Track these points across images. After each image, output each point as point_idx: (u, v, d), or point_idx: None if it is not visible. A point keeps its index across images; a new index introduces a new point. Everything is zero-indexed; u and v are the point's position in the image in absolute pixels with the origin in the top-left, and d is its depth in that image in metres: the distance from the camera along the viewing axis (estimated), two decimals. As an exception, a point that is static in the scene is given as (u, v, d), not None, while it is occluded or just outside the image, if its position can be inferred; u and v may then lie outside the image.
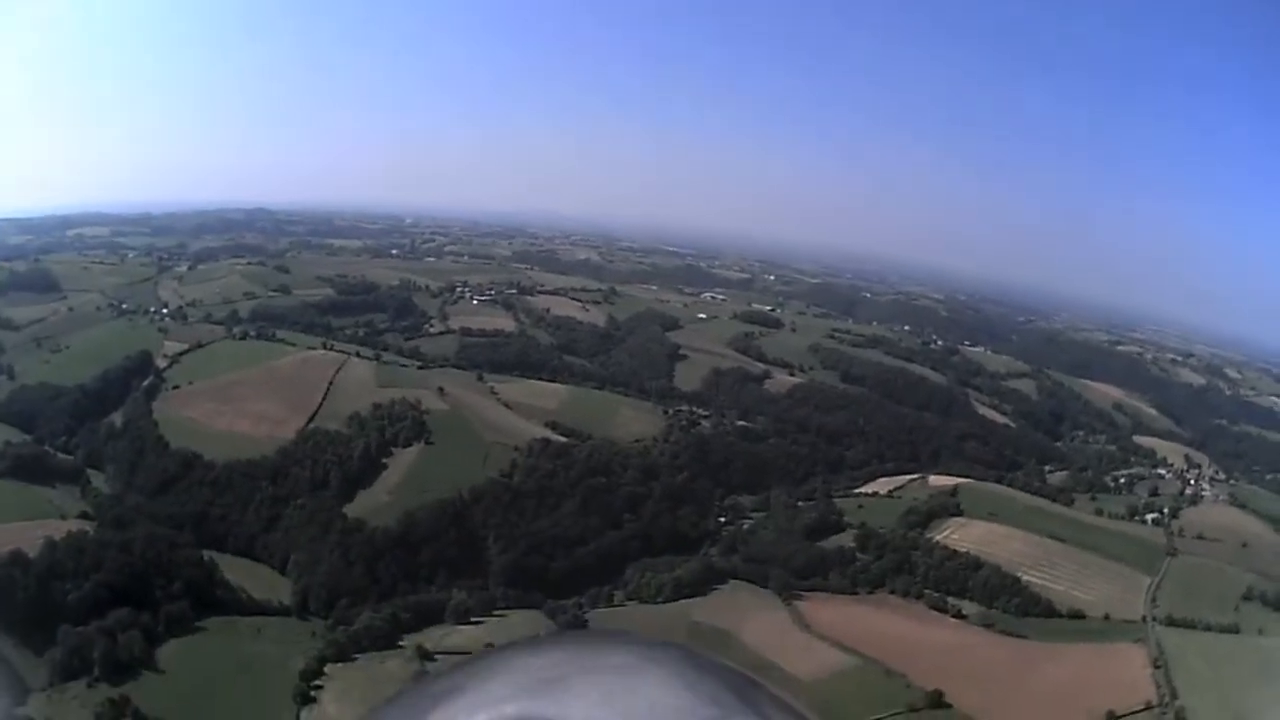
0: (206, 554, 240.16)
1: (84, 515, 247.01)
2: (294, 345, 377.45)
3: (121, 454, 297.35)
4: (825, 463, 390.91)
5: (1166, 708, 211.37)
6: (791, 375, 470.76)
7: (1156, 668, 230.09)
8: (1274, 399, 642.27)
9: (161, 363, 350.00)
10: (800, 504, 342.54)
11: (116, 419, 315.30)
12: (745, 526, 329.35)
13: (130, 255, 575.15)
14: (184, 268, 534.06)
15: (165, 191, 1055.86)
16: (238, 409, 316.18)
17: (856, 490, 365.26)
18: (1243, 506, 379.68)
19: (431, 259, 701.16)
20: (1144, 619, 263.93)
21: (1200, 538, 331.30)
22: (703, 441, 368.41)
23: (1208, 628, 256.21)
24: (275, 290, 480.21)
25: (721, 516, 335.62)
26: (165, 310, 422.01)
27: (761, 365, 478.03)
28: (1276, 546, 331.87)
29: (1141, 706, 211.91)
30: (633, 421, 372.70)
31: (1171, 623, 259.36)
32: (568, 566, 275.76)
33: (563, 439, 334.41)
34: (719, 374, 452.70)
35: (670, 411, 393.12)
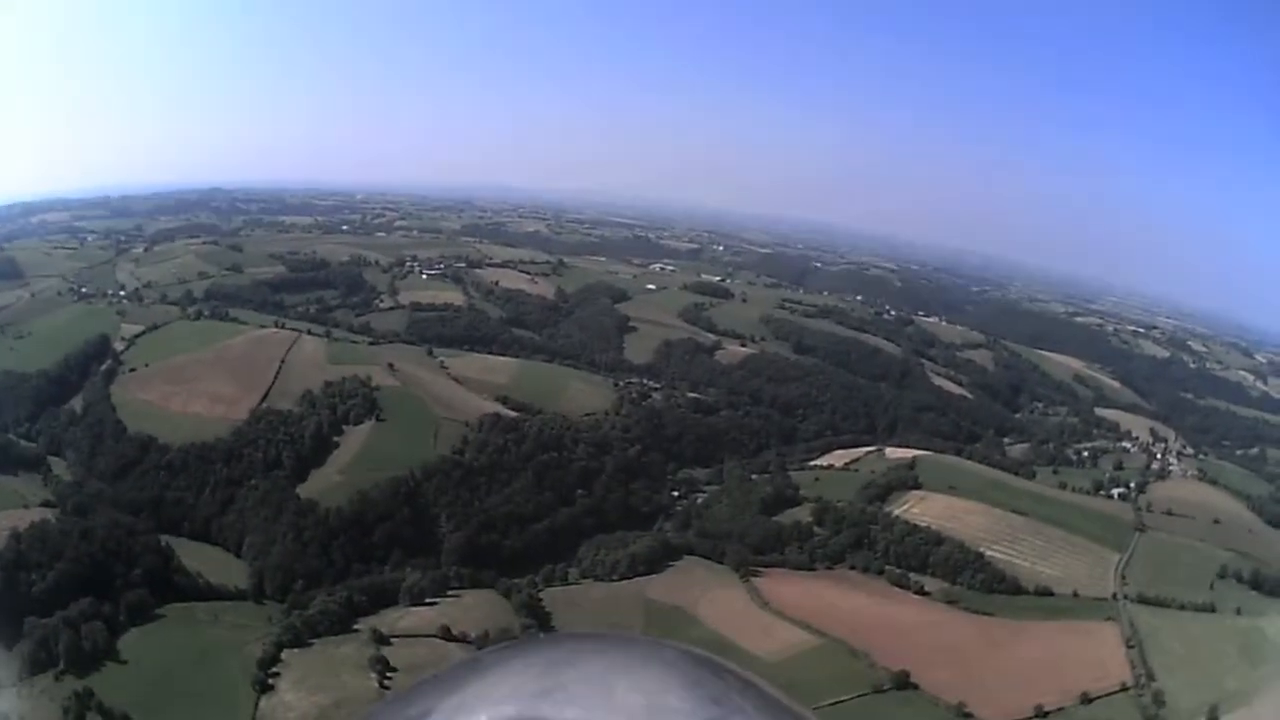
0: (164, 539, 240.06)
1: (47, 504, 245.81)
2: (246, 324, 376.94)
3: (81, 439, 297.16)
4: (779, 435, 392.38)
5: (1143, 689, 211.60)
6: (743, 346, 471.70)
7: (1130, 647, 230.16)
8: (1242, 373, 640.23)
9: (119, 346, 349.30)
10: (754, 477, 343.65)
11: (76, 404, 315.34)
12: (699, 501, 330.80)
13: (89, 239, 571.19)
14: (141, 249, 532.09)
15: (124, 174, 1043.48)
16: (192, 390, 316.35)
17: (812, 463, 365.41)
18: (1213, 482, 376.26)
19: (382, 234, 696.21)
20: (1114, 596, 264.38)
21: (1170, 513, 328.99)
22: (654, 414, 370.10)
23: (1181, 607, 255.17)
24: (228, 269, 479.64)
25: (675, 491, 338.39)
26: (123, 292, 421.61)
27: (712, 336, 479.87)
28: (1250, 524, 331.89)
29: (1117, 688, 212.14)
30: (583, 395, 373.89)
31: (1144, 601, 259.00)
32: (521, 544, 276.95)
33: (513, 414, 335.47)
34: (669, 345, 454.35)
35: (621, 384, 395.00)
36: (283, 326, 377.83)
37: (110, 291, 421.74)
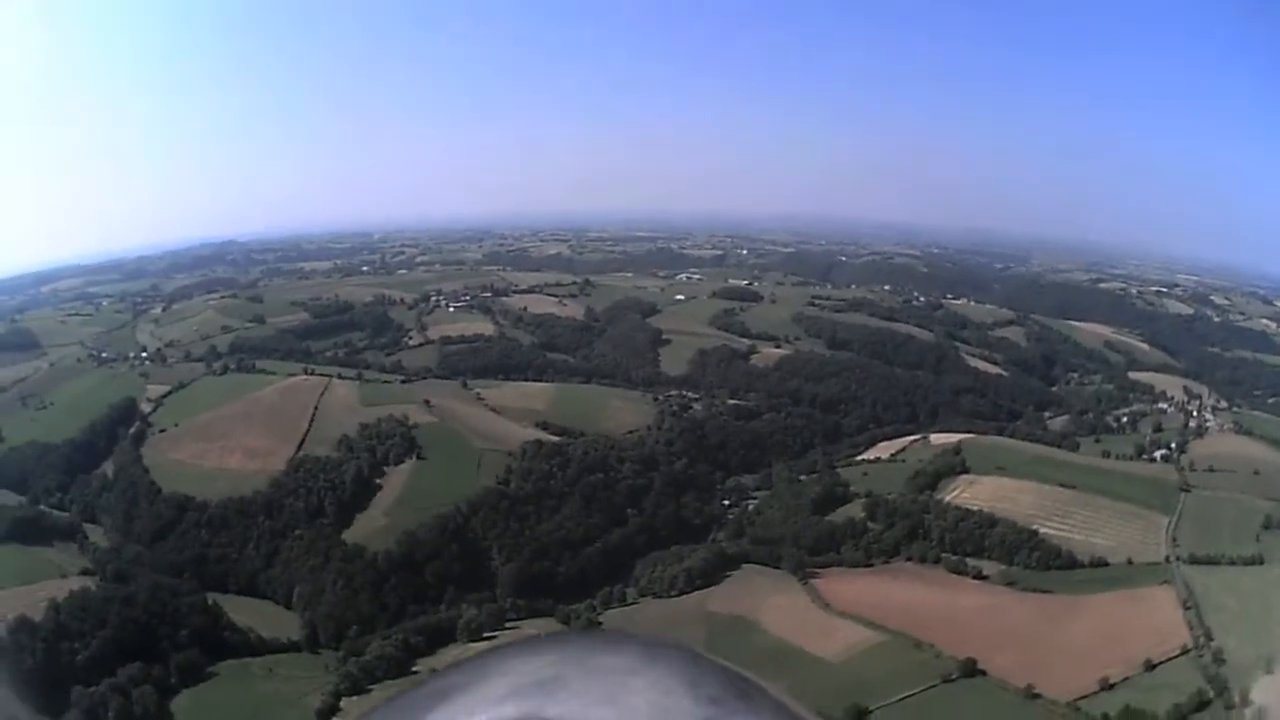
0: (211, 597, 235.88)
1: (85, 572, 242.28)
2: (274, 374, 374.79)
3: (115, 505, 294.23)
4: (823, 433, 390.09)
5: (1203, 650, 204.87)
6: (777, 347, 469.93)
7: (1187, 609, 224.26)
8: (1265, 321, 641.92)
9: (146, 407, 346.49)
10: (803, 478, 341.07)
11: (108, 469, 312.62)
12: (750, 507, 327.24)
13: (105, 303, 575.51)
14: (159, 309, 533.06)
15: (136, 235, 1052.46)
16: (225, 445, 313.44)
17: (858, 458, 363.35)
18: (1249, 433, 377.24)
19: (403, 271, 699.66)
20: (1167, 559, 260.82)
21: (1211, 470, 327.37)
22: (696, 425, 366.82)
23: (1231, 562, 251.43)
24: (251, 321, 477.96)
25: (725, 500, 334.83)
26: (144, 354, 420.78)
27: (746, 341, 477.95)
28: None
29: (1178, 651, 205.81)
30: (624, 412, 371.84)
31: (1194, 561, 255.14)
32: (575, 569, 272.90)
33: (555, 438, 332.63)
34: (704, 354, 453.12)
35: (660, 398, 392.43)
36: (312, 373, 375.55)
37: (131, 354, 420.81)
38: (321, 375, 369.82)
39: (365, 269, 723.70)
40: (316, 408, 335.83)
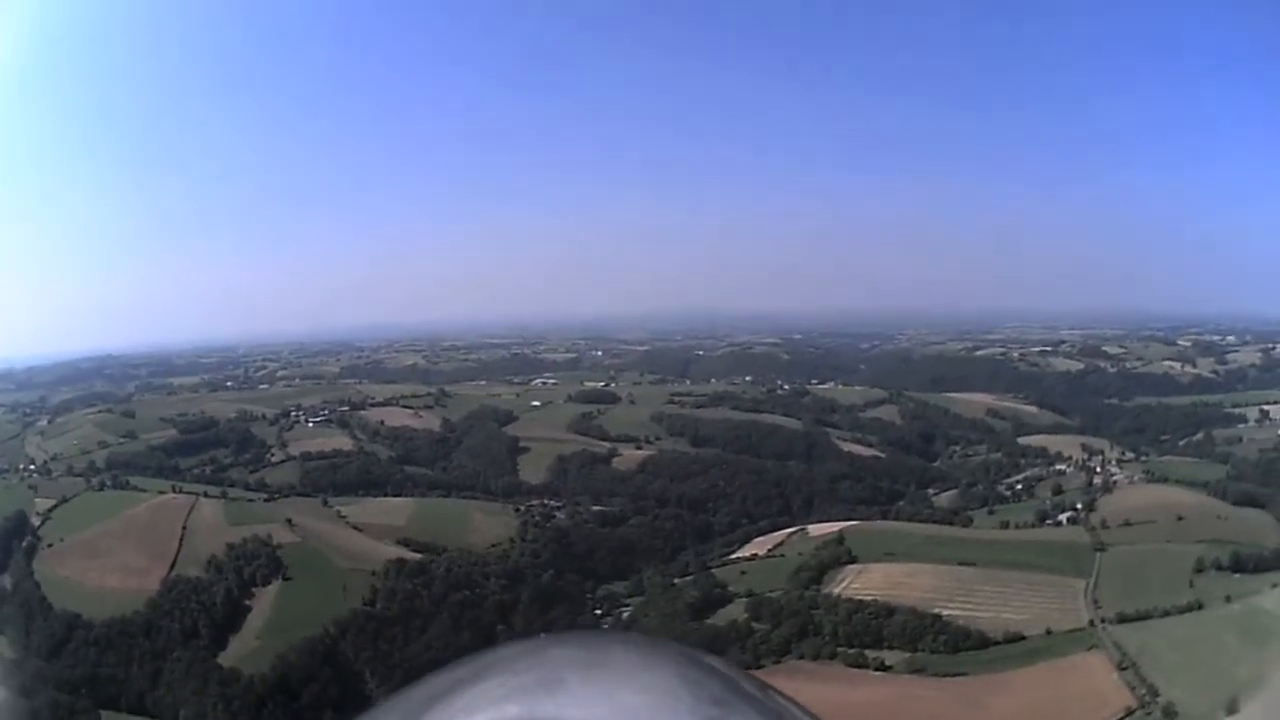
0: (106, 715, 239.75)
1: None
2: (146, 492, 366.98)
3: (15, 617, 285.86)
4: (693, 533, 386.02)
5: (1150, 707, 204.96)
6: (639, 449, 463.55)
7: (1123, 669, 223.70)
8: (1168, 363, 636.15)
9: (36, 521, 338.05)
10: (676, 582, 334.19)
11: (6, 582, 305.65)
12: (625, 617, 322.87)
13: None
14: (45, 421, 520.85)
15: (28, 344, 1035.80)
16: (105, 563, 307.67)
17: (733, 556, 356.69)
18: (1164, 480, 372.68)
19: (264, 386, 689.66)
20: (1091, 623, 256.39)
21: (1128, 524, 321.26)
22: (561, 534, 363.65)
23: (1166, 613, 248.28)
24: (124, 436, 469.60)
25: (597, 609, 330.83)
26: (33, 466, 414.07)
27: (606, 444, 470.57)
28: (1216, 510, 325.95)
29: (1124, 713, 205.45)
30: (486, 525, 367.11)
31: (1124, 619, 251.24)
32: None
33: (418, 556, 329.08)
34: (564, 460, 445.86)
35: (522, 508, 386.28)
36: (180, 490, 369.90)
37: (21, 465, 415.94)
38: (189, 493, 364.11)
39: (230, 384, 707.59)
40: (185, 527, 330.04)
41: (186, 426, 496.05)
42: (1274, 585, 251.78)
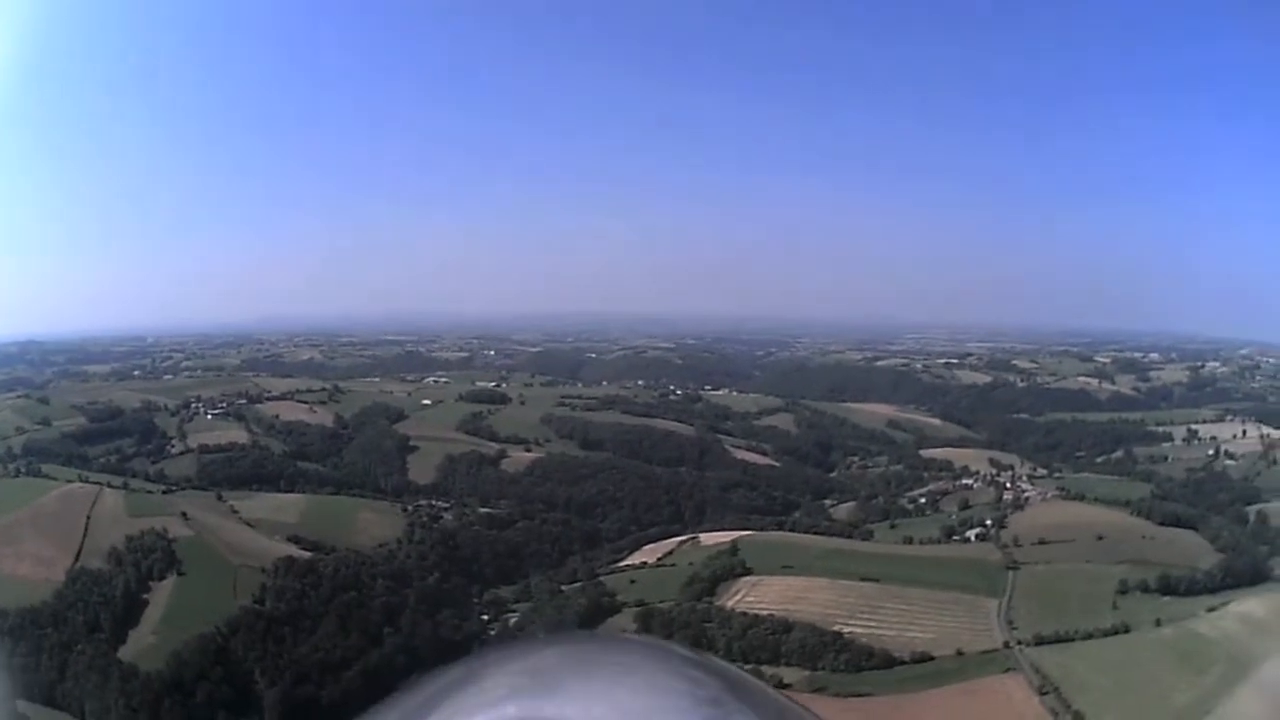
0: (21, 704, 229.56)
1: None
2: (56, 480, 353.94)
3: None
4: (581, 538, 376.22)
5: None
6: (528, 451, 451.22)
7: (1044, 694, 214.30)
8: (1084, 379, 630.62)
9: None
10: (564, 589, 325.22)
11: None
12: (512, 623, 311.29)
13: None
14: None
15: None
16: (18, 551, 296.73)
17: (623, 564, 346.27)
18: (1081, 498, 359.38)
19: (169, 376, 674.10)
20: (1006, 645, 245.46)
21: (1043, 542, 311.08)
22: (448, 536, 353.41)
23: (1089, 636, 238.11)
24: (39, 423, 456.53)
25: (484, 614, 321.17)
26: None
27: (495, 445, 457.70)
28: (1140, 529, 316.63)
29: None
30: (374, 525, 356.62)
31: (1042, 642, 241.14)
32: (338, 693, 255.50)
33: (307, 554, 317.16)
34: (453, 460, 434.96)
35: (410, 508, 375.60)
36: (86, 480, 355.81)
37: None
38: (94, 483, 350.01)
39: (136, 373, 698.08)
40: (89, 517, 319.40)
41: (95, 415, 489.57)
42: (1209, 609, 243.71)
